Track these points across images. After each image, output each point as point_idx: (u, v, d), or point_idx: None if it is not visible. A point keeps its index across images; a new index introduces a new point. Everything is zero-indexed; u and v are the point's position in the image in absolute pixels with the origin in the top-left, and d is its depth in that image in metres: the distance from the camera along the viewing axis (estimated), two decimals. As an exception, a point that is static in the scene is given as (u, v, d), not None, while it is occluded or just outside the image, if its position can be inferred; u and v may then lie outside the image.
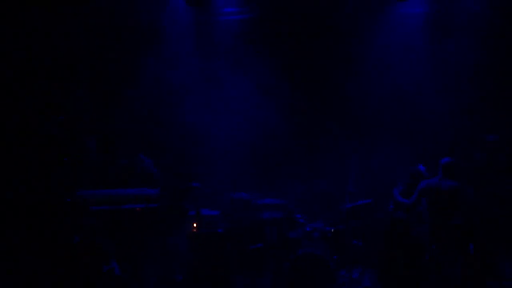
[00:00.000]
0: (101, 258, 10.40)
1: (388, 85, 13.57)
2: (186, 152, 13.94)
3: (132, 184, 12.86)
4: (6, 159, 13.48)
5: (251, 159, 13.26)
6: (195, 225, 12.42)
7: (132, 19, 13.63)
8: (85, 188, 12.84)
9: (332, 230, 12.22)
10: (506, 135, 12.82)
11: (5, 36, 13.03)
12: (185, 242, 12.39)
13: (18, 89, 13.29)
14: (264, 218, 12.32)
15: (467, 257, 10.99)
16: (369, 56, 13.66)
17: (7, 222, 12.85)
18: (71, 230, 11.71)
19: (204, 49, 14.02)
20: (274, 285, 12.00)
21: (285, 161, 13.79)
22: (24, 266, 12.23)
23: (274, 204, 12.53)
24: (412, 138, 13.38)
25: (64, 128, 13.53)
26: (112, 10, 13.58)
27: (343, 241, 12.12)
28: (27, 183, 13.26)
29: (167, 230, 12.10)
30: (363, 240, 12.18)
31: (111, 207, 12.22)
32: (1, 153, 13.53)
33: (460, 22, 13.30)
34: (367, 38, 13.64)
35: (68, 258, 10.51)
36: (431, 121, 13.63)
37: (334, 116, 13.90)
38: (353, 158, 12.38)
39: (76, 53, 13.61)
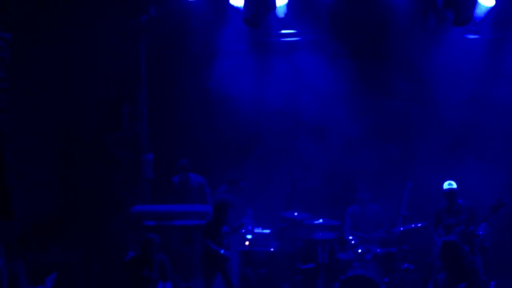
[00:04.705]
0: (157, 275, 10.51)
1: (448, 109, 13.50)
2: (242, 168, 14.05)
3: (183, 200, 13.05)
4: (66, 173, 13.82)
5: (303, 177, 13.23)
6: (247, 243, 12.50)
7: (188, 38, 13.85)
8: (141, 204, 13.13)
9: (383, 253, 12.14)
10: None
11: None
12: (237, 259, 12.49)
13: (78, 106, 13.58)
14: (315, 238, 12.31)
15: None
16: (433, 80, 13.60)
17: (66, 232, 13.19)
18: (126, 245, 11.93)
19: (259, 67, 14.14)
20: (324, 306, 11.99)
21: (338, 182, 13.78)
22: (82, 279, 12.53)
23: (326, 225, 12.51)
24: (468, 160, 13.21)
25: (120, 145, 13.79)
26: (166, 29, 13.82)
27: (395, 264, 12.01)
28: (85, 196, 13.58)
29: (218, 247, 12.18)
30: (414, 264, 12.05)
31: (165, 222, 12.44)
32: (62, 167, 13.88)
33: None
34: (432, 60, 13.57)
35: (122, 272, 10.63)
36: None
37: (393, 140, 13.80)
38: (407, 181, 12.33)
39: (135, 74, 13.87)
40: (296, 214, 12.65)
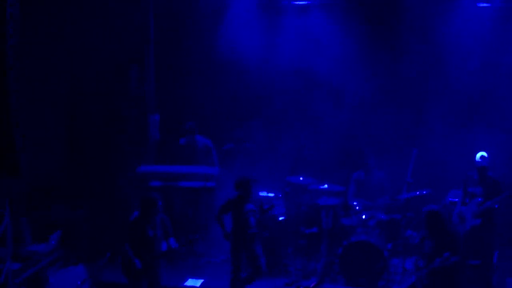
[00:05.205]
0: (161, 234, 10.55)
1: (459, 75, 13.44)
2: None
3: (190, 162, 13.09)
4: (74, 132, 13.87)
5: (309, 143, 13.26)
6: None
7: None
8: (147, 164, 13.18)
9: (387, 219, 12.18)
10: None
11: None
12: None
13: (86, 67, 13.57)
14: (320, 204, 12.35)
15: None
16: (445, 47, 13.51)
17: (72, 191, 13.26)
18: (131, 205, 11.96)
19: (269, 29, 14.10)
20: (327, 271, 12.03)
21: (345, 147, 13.78)
22: (87, 238, 12.61)
23: (331, 190, 12.54)
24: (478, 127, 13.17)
25: (127, 105, 13.81)
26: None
27: (398, 230, 12.06)
28: (91, 156, 13.63)
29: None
30: (418, 231, 12.08)
31: (170, 183, 12.50)
32: (69, 127, 13.93)
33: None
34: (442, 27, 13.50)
35: (126, 232, 10.66)
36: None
37: (403, 105, 13.75)
38: (413, 147, 12.31)
39: (143, 35, 13.84)
40: (301, 178, 12.68)
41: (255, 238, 10.90)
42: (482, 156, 11.59)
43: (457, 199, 11.99)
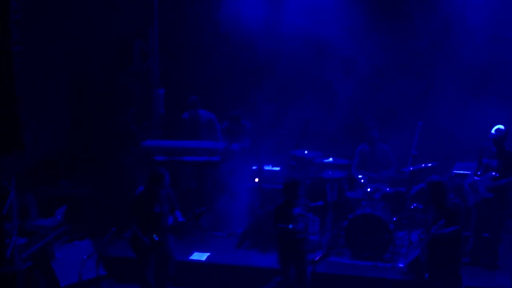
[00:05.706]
0: (167, 209, 10.57)
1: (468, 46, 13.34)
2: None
3: (193, 137, 13.09)
4: (78, 107, 13.90)
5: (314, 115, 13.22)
6: (256, 179, 12.55)
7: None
8: (152, 139, 13.19)
9: (393, 192, 12.17)
10: None
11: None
12: (246, 195, 12.58)
13: (90, 41, 13.55)
14: (325, 177, 12.35)
15: None
16: (455, 19, 13.39)
17: (77, 166, 13.30)
18: (136, 179, 12.00)
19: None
20: (332, 244, 12.04)
21: (349, 119, 13.74)
22: (92, 212, 12.65)
23: (336, 164, 12.54)
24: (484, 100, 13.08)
25: (132, 80, 13.80)
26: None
27: (403, 203, 12.06)
28: (96, 131, 13.64)
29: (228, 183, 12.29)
30: (423, 203, 12.06)
31: (175, 158, 12.52)
32: (74, 101, 13.95)
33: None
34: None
35: (132, 207, 10.67)
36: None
37: (410, 77, 13.67)
38: (419, 120, 12.26)
39: (147, 9, 13.85)
40: (306, 152, 12.66)
41: (304, 243, 10.46)
42: (497, 129, 11.24)
43: (462, 171, 11.97)
